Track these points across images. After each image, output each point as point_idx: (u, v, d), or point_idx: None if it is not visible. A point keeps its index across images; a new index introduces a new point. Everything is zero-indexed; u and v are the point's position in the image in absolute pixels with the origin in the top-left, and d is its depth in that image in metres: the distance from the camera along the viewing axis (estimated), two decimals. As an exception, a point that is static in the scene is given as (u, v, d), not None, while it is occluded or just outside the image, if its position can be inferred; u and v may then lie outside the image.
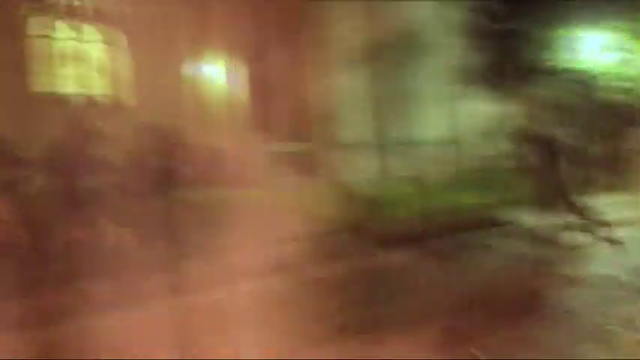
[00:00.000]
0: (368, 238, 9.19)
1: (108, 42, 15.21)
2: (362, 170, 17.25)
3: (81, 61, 14.99)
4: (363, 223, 9.85)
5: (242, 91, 16.66)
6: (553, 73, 16.12)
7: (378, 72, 17.54)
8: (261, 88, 16.99)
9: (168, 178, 14.33)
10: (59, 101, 14.30)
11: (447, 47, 17.25)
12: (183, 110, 16.34)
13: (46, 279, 7.20)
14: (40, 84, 14.18)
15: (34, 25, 14.18)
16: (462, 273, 8.19)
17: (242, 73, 16.78)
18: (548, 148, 9.86)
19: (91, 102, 14.75)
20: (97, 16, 15.18)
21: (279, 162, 15.71)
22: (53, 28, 14.52)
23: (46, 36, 14.39)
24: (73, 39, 14.82)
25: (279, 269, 8.13)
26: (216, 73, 16.49)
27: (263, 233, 9.61)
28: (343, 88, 17.48)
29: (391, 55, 17.24)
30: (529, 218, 10.24)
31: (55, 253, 7.59)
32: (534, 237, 9.73)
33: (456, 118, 17.73)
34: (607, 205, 10.91)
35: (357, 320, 6.22)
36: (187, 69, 16.18)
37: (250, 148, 15.32)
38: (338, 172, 16.17)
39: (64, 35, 14.72)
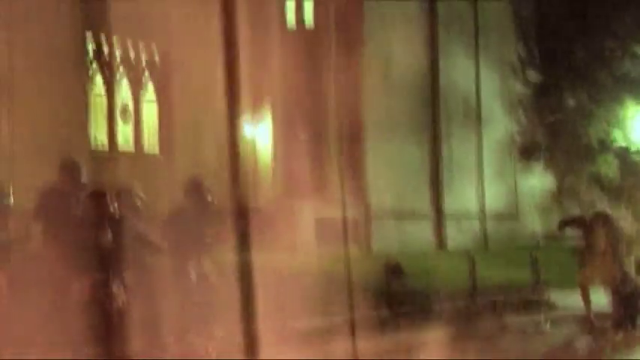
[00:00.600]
0: (409, 312, 8.95)
1: (159, 101, 15.60)
2: (413, 240, 17.22)
3: (135, 118, 15.32)
4: (405, 297, 9.62)
5: (280, 152, 16.89)
6: (612, 150, 15.79)
7: (436, 142, 17.59)
8: (301, 149, 17.19)
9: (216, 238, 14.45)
10: (116, 157, 14.72)
11: (506, 122, 17.19)
12: (231, 170, 16.53)
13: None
14: (99, 139, 14.69)
15: (97, 84, 14.72)
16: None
17: (281, 130, 17.05)
18: (607, 229, 9.53)
19: (142, 157, 15.11)
20: (152, 77, 15.52)
21: (326, 228, 15.66)
22: (112, 88, 14.93)
23: (105, 95, 14.80)
24: (130, 98, 15.20)
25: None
26: (254, 130, 16.92)
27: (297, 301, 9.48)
28: (397, 157, 17.64)
29: (449, 126, 17.31)
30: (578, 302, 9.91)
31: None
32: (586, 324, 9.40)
33: (514, 192, 17.44)
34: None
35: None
36: (235, 128, 16.34)
37: (296, 213, 15.33)
38: (386, 242, 16.11)
39: (122, 94, 15.14)
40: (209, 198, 8.29)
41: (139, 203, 7.49)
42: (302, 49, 16.47)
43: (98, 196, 6.95)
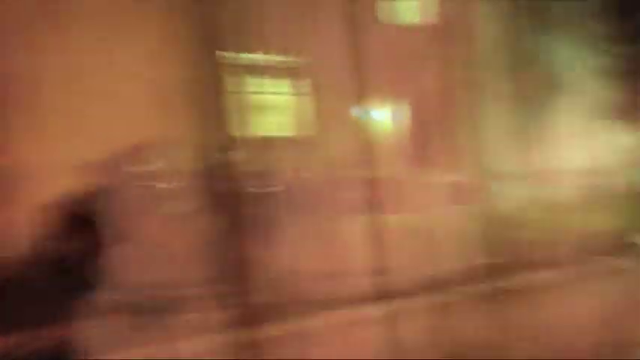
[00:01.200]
0: (515, 260, 10.22)
1: (294, 93, 17.72)
2: (509, 198, 18.56)
3: (272, 110, 17.38)
4: (508, 247, 10.94)
5: (405, 129, 18.64)
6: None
7: (524, 108, 18.89)
8: (422, 125, 18.87)
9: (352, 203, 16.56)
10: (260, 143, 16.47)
11: (586, 86, 18.32)
12: (356, 147, 18.61)
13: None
14: (240, 130, 15.98)
15: (233, 81, 16.18)
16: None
17: (404, 111, 18.81)
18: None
19: (284, 142, 17.09)
20: (285, 71, 17.54)
21: (438, 191, 17.42)
22: (248, 84, 16.62)
23: (241, 91, 16.39)
24: (266, 92, 17.19)
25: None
26: (382, 113, 18.68)
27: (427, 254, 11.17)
28: (491, 122, 19.09)
29: (535, 92, 18.62)
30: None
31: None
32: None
33: (594, 150, 18.64)
34: None
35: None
36: (358, 110, 18.46)
37: (413, 179, 17.02)
38: (489, 200, 17.65)
39: (257, 89, 16.88)
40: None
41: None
42: (420, 43, 18.47)
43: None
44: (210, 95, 15.91)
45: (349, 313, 8.47)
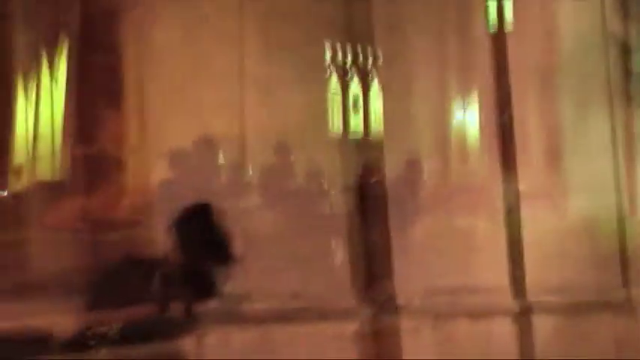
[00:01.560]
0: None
1: (385, 90, 18.28)
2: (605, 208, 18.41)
3: (362, 108, 17.47)
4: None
5: (495, 131, 18.78)
6: None
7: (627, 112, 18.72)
8: (512, 131, 19.00)
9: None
10: (348, 141, 16.80)
11: None
12: (445, 147, 19.03)
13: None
14: (335, 127, 16.83)
15: (332, 80, 17.13)
16: None
17: (494, 114, 18.91)
18: None
19: (369, 142, 17.36)
20: (377, 75, 17.56)
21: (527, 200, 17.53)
22: (344, 83, 17.35)
23: (339, 89, 17.22)
24: (358, 91, 17.49)
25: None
26: (471, 114, 18.97)
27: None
28: (589, 132, 18.93)
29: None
30: None
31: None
32: None
33: None
34: None
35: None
36: (447, 109, 18.83)
37: (496, 183, 16.26)
38: (580, 210, 17.66)
39: (353, 89, 17.36)
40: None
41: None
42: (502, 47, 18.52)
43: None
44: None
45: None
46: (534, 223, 14.98)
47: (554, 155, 18.54)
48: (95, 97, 16.27)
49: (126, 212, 13.86)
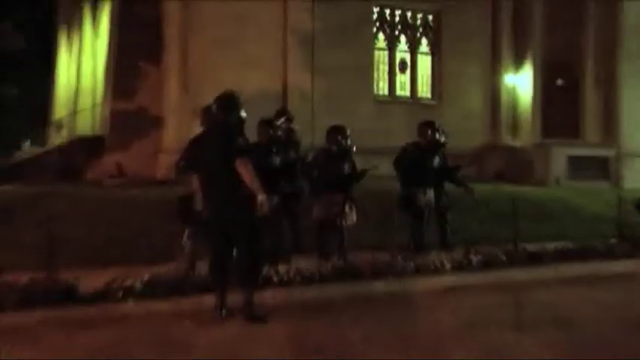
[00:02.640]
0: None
1: (433, 52, 17.60)
2: None
3: (411, 69, 17.47)
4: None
5: (548, 98, 18.23)
6: None
7: None
8: (565, 96, 18.40)
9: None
10: (393, 102, 16.97)
11: None
12: (496, 114, 18.51)
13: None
14: (380, 88, 17.01)
15: (379, 39, 17.06)
16: None
17: (548, 80, 18.34)
18: None
19: (416, 103, 17.19)
20: (427, 31, 17.56)
21: (578, 166, 17.04)
22: (393, 42, 17.27)
23: (386, 48, 17.20)
24: (406, 51, 17.44)
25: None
26: (523, 80, 18.31)
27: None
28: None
29: None
30: None
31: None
32: None
33: None
34: None
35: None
36: (493, 75, 18.28)
37: (548, 151, 16.43)
38: (637, 179, 17.06)
39: (401, 47, 17.37)
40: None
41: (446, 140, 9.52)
42: (562, 4, 17.63)
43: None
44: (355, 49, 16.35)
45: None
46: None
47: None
48: (136, 51, 16.16)
49: (164, 170, 13.80)
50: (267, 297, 6.71)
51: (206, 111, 7.05)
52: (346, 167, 8.43)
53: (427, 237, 8.98)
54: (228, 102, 6.31)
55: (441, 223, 9.26)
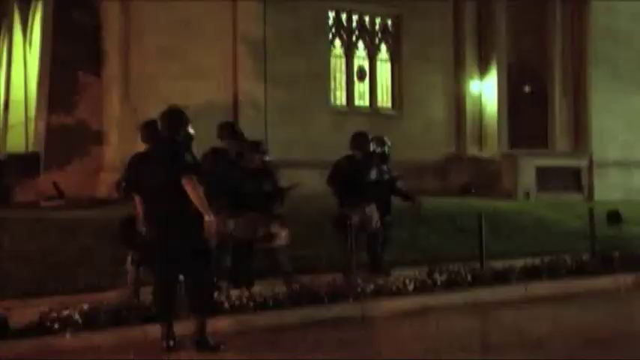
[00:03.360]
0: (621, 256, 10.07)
1: (393, 59, 17.73)
2: (637, 190, 18.34)
3: (369, 78, 17.58)
4: (620, 242, 10.77)
5: (515, 106, 18.55)
6: None
7: None
8: (532, 103, 18.77)
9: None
10: (351, 113, 16.94)
11: None
12: (460, 124, 18.72)
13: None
14: (337, 97, 17.08)
15: (334, 46, 17.09)
16: None
17: (515, 88, 18.69)
18: None
19: (376, 113, 17.26)
20: (386, 36, 17.70)
21: (547, 177, 17.38)
22: (351, 48, 17.36)
23: (343, 55, 17.30)
24: (364, 58, 17.54)
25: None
26: (489, 88, 18.58)
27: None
28: (622, 108, 18.59)
29: None
30: None
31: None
32: None
33: None
34: None
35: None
36: (457, 83, 18.56)
37: (519, 162, 16.79)
38: (608, 191, 17.47)
39: (359, 54, 17.48)
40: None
41: (387, 151, 9.76)
42: (528, 8, 18.08)
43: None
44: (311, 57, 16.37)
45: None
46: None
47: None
48: (74, 61, 15.96)
49: (105, 189, 13.67)
50: (219, 324, 6.70)
51: (148, 126, 7.04)
52: (267, 185, 8.39)
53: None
54: (175, 118, 6.32)
55: (369, 243, 9.01)
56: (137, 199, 6.75)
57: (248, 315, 7.15)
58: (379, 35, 17.87)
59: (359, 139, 9.13)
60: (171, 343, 6.19)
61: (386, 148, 9.42)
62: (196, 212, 6.06)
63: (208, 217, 6.06)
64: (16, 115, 18.69)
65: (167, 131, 6.29)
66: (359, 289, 7.86)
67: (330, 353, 6.31)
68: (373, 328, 7.25)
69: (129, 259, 7.37)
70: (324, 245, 9.39)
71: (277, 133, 15.35)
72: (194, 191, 6.05)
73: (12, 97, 19.29)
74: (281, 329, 6.99)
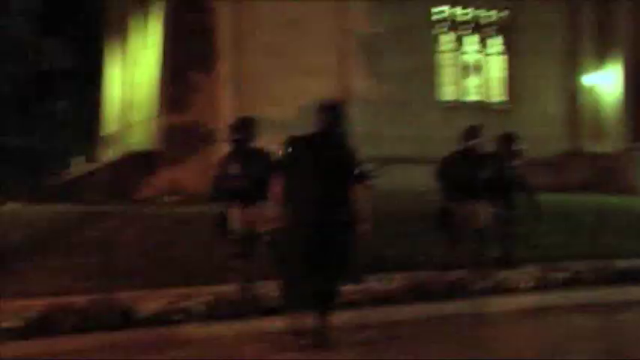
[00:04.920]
0: None
1: (507, 53, 17.40)
2: None
3: (481, 71, 17.40)
4: None
5: (638, 98, 17.83)
6: None
7: None
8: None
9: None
10: (461, 107, 16.86)
11: None
12: (577, 118, 18.17)
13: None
14: (446, 93, 16.94)
15: (443, 41, 17.00)
16: None
17: (637, 80, 17.94)
18: None
19: (486, 108, 17.00)
20: (500, 30, 17.45)
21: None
22: (459, 43, 17.25)
23: (452, 50, 17.17)
24: (476, 52, 17.38)
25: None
26: (608, 80, 17.93)
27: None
28: None
29: None
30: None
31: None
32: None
33: None
34: None
35: None
36: (573, 77, 18.03)
37: (636, 157, 16.28)
38: None
39: (468, 49, 17.34)
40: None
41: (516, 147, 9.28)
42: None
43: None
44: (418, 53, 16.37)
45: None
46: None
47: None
48: (189, 62, 16.40)
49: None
50: (335, 320, 6.66)
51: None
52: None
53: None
54: (339, 111, 6.33)
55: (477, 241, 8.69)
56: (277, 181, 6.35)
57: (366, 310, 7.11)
58: (491, 28, 17.53)
59: (471, 133, 8.92)
60: (302, 338, 6.03)
61: (516, 144, 9.20)
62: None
63: (367, 226, 6.05)
64: (138, 114, 19.33)
65: (333, 123, 6.25)
66: (476, 286, 7.71)
67: (445, 351, 6.18)
68: (488, 327, 7.09)
69: (231, 253, 7.35)
70: (433, 242, 9.24)
71: (386, 129, 15.36)
72: (366, 196, 6.07)
73: (134, 97, 19.94)
74: (397, 325, 6.90)
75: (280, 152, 6.44)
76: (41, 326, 6.34)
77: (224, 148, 7.53)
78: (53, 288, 7.84)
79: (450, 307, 7.40)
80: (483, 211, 8.56)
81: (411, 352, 6.14)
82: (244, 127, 7.54)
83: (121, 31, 21.52)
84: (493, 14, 17.50)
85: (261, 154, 7.30)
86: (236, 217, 7.13)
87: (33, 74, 21.86)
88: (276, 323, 6.38)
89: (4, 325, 6.28)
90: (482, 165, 8.74)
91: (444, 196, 8.64)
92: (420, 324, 6.97)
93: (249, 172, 7.27)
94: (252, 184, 7.16)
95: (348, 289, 7.30)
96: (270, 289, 6.70)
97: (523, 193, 9.08)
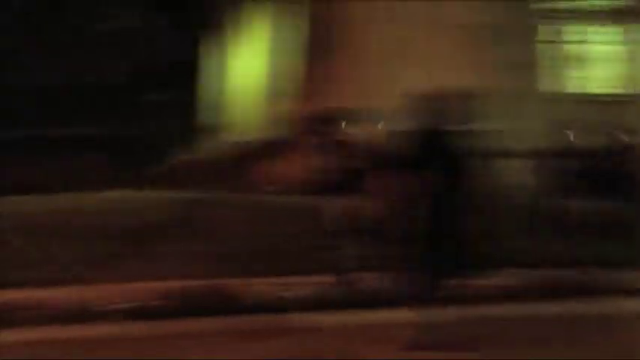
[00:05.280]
0: None
1: (613, 42, 16.60)
2: None
3: (585, 62, 16.42)
4: None
5: None
6: None
7: None
8: None
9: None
10: (564, 100, 15.87)
11: None
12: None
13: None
14: (546, 84, 15.96)
15: (544, 30, 16.21)
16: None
17: None
18: None
19: (591, 100, 16.02)
20: (613, 18, 16.51)
21: None
22: (560, 33, 16.37)
23: (553, 40, 16.37)
24: (579, 42, 16.55)
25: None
26: None
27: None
28: None
29: None
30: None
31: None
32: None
33: None
34: None
35: None
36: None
37: None
38: None
39: (570, 38, 16.39)
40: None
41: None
42: None
43: None
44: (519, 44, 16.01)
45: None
46: None
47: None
48: (313, 52, 16.44)
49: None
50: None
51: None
52: None
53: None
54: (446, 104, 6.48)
55: None
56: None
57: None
58: (602, 17, 16.86)
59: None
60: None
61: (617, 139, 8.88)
62: None
63: None
64: (247, 103, 19.57)
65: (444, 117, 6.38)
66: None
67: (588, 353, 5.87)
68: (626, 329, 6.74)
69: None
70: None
71: (488, 123, 15.00)
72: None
73: (246, 87, 20.12)
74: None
75: (383, 145, 6.42)
76: (141, 311, 6.67)
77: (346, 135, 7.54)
78: (162, 272, 8.01)
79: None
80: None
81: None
82: (336, 119, 7.61)
83: (230, 21, 21.80)
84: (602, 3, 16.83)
85: (355, 146, 7.32)
86: (334, 209, 7.12)
87: (145, 65, 22.48)
88: (379, 315, 6.32)
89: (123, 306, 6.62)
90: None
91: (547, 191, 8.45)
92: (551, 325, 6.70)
93: (345, 164, 7.30)
94: (348, 176, 7.17)
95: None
96: (372, 282, 6.66)
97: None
